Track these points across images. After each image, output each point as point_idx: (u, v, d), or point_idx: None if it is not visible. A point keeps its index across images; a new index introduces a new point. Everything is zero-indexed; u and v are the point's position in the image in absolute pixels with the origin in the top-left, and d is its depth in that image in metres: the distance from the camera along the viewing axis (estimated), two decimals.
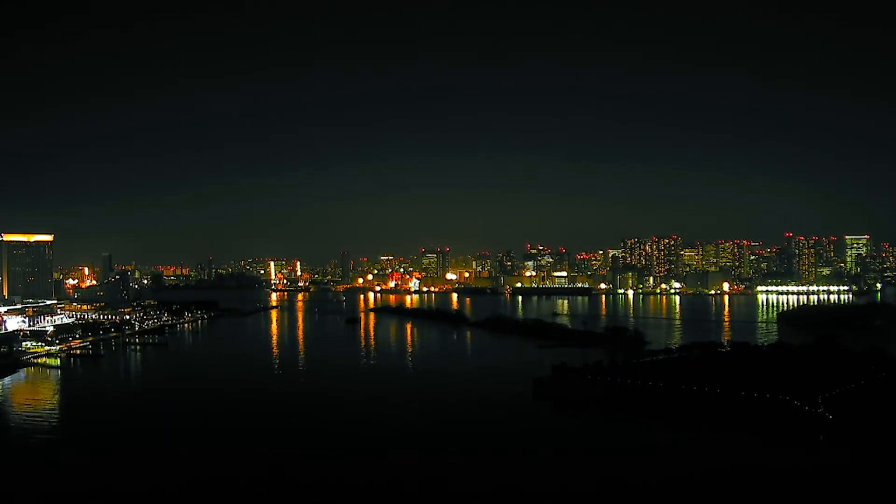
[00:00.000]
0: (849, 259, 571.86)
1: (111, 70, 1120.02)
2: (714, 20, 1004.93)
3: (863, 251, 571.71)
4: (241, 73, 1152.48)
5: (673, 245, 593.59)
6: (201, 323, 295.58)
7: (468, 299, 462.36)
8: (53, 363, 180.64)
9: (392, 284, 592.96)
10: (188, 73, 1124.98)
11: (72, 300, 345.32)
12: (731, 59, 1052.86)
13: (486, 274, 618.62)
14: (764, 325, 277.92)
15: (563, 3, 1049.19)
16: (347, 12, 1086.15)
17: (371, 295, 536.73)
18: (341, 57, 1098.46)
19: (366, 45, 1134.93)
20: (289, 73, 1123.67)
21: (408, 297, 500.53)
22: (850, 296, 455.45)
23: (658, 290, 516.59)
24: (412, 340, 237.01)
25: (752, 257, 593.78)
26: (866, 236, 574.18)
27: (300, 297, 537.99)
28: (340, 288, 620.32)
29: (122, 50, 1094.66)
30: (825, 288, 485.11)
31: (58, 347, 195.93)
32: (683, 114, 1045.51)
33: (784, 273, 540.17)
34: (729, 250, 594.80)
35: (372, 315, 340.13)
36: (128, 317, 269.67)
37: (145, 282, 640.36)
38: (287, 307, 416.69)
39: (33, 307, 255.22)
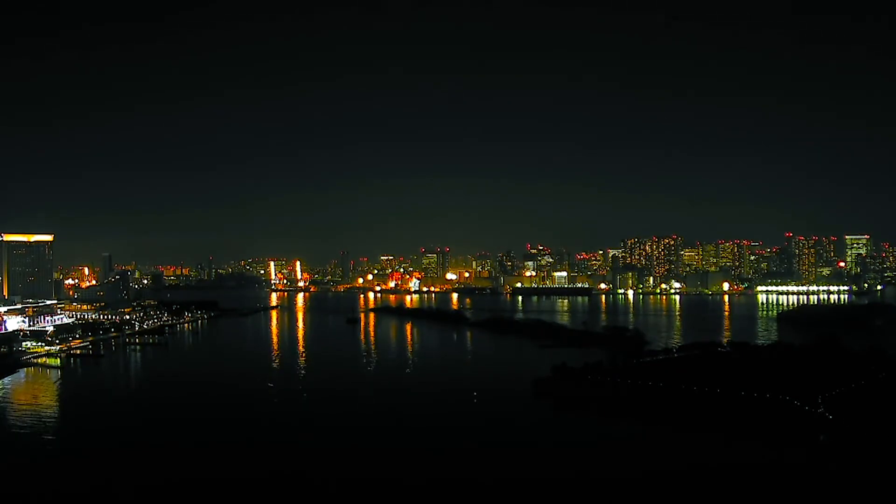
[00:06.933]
0: (849, 259, 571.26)
1: (114, 81, 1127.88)
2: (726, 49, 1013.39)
3: (863, 251, 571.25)
4: (241, 87, 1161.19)
5: (673, 245, 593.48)
6: (201, 323, 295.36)
7: (468, 299, 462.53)
8: (53, 363, 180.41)
9: (392, 284, 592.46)
10: (191, 87, 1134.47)
11: (72, 300, 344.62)
12: (735, 67, 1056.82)
13: (486, 274, 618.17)
14: (764, 325, 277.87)
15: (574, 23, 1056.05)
16: (335, 27, 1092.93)
17: (371, 295, 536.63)
18: (336, 76, 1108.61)
19: (363, 62, 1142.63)
20: (290, 86, 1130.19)
21: (408, 297, 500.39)
22: (851, 296, 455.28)
23: (658, 290, 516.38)
24: (412, 340, 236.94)
25: (752, 257, 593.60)
26: (866, 236, 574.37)
27: (300, 297, 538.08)
28: (340, 288, 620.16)
29: (123, 61, 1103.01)
30: (825, 288, 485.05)
31: (58, 347, 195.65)
32: (684, 115, 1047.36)
33: (784, 273, 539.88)
34: (729, 250, 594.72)
35: (372, 315, 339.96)
36: (128, 317, 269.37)
37: (145, 282, 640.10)
38: (287, 307, 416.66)
39: (33, 307, 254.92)
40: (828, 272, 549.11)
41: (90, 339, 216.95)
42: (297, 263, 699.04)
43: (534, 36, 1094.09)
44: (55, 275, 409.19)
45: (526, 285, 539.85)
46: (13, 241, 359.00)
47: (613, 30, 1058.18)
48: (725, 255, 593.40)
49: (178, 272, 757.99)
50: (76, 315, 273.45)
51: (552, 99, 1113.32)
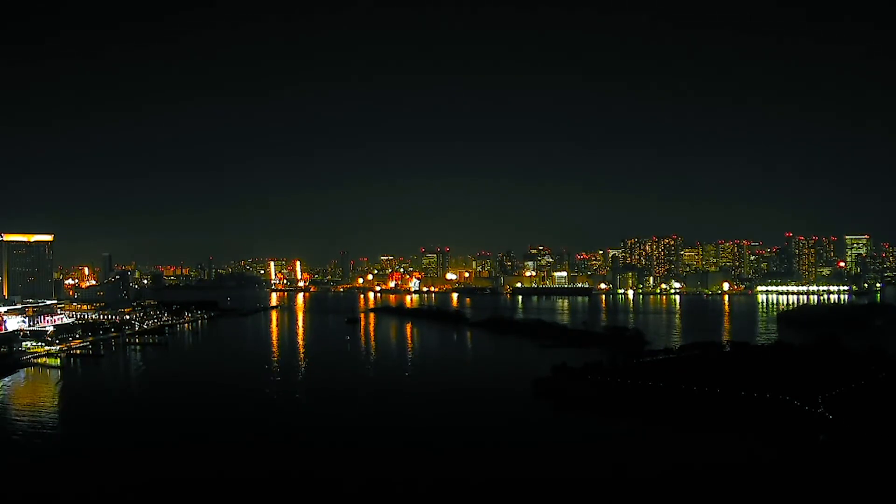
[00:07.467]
0: (849, 259, 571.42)
1: (114, 81, 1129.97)
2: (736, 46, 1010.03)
3: (863, 251, 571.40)
4: (241, 87, 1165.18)
5: (673, 245, 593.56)
6: (201, 323, 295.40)
7: (468, 299, 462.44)
8: (53, 363, 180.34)
9: (392, 284, 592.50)
10: (192, 87, 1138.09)
11: (72, 300, 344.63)
12: (735, 66, 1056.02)
13: (486, 274, 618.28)
14: (764, 325, 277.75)
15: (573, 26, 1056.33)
16: (335, 27, 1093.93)
17: (371, 295, 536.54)
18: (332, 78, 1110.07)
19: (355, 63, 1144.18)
20: (290, 86, 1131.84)
21: (408, 297, 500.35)
22: (851, 296, 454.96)
23: (658, 290, 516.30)
24: (412, 340, 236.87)
25: (752, 257, 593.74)
26: (866, 236, 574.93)
27: (299, 297, 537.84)
28: (340, 288, 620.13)
29: (123, 61, 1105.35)
30: (825, 288, 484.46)
31: (58, 347, 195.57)
32: (684, 115, 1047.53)
33: (784, 273, 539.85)
34: (729, 250, 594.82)
35: (372, 315, 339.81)
36: (128, 317, 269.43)
37: (145, 282, 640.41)
38: (287, 307, 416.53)
39: (33, 307, 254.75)
40: (828, 272, 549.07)
41: (90, 339, 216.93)
42: (297, 263, 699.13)
43: (534, 36, 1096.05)
44: (55, 275, 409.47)
45: (526, 285, 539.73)
46: (13, 241, 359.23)
47: (614, 30, 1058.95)
48: (725, 255, 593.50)
49: (178, 272, 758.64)
50: (76, 315, 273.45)
51: (552, 99, 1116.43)
